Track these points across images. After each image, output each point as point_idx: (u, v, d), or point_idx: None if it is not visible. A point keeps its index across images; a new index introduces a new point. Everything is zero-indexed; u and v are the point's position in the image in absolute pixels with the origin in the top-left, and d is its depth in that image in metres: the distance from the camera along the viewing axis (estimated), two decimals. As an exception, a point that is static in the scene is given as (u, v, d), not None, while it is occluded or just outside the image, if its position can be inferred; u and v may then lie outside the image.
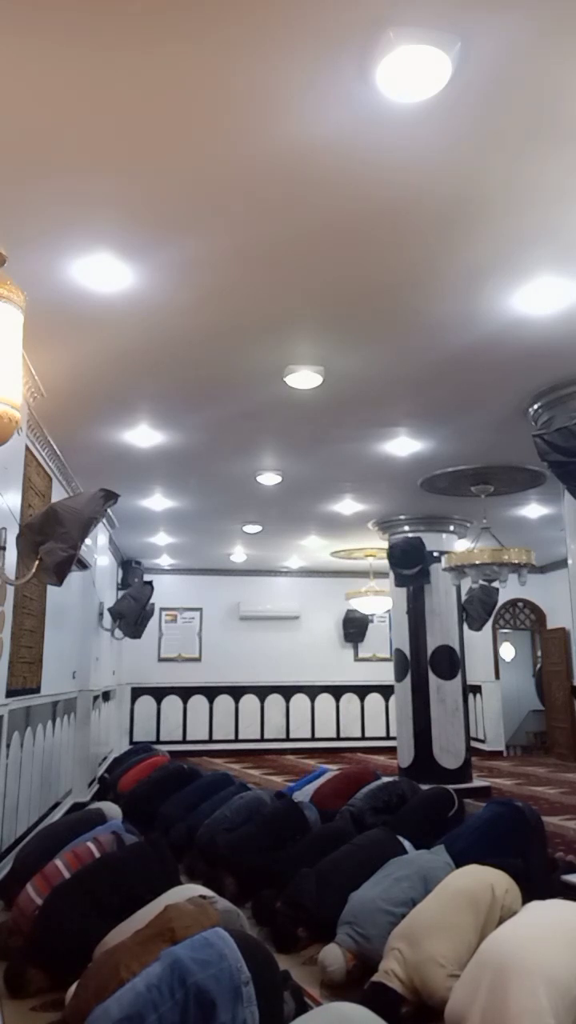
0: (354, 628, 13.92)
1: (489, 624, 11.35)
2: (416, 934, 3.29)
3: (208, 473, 7.48)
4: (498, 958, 2.55)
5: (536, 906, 3.12)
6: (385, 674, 11.66)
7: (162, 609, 13.11)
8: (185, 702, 13.42)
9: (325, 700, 13.94)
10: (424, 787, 6.53)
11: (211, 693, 13.53)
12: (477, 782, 9.04)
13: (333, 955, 3.69)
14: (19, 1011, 3.52)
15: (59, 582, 3.38)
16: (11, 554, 3.93)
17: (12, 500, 4.98)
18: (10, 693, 5.20)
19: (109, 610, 10.20)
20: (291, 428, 6.13)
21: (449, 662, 9.07)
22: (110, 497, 3.49)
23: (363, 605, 12.03)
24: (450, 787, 6.31)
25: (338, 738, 13.71)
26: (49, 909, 3.87)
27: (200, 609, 13.78)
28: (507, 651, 14.88)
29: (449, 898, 3.53)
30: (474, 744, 10.62)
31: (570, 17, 2.30)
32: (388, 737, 13.00)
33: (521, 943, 2.62)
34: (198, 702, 13.46)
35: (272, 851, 5.06)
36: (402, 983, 3.16)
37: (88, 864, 4.28)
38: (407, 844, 4.62)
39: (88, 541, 6.41)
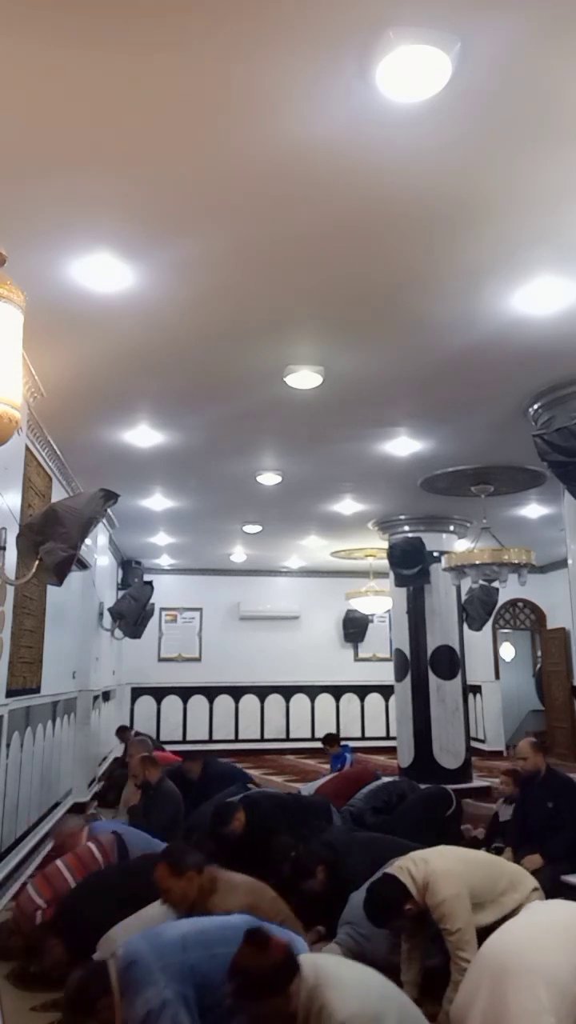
0: (354, 628, 13.93)
1: (489, 624, 11.35)
2: (425, 854, 3.43)
3: (208, 473, 7.48)
4: (498, 959, 2.56)
5: (537, 906, 3.12)
6: (385, 674, 11.67)
7: (162, 609, 13.11)
8: (185, 702, 13.43)
9: (325, 700, 13.95)
10: (423, 787, 6.53)
11: (211, 693, 13.53)
12: (477, 782, 9.04)
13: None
14: (19, 1011, 3.53)
15: (59, 582, 3.38)
16: (11, 554, 3.93)
17: (12, 500, 4.98)
18: (10, 693, 5.20)
19: (109, 610, 10.20)
20: (291, 428, 6.13)
21: (449, 662, 9.08)
22: (110, 497, 3.49)
23: (363, 605, 12.04)
24: (450, 787, 6.31)
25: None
26: (86, 887, 3.97)
27: (200, 609, 13.78)
28: (507, 651, 14.89)
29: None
30: (474, 744, 10.63)
31: (570, 17, 2.30)
32: (388, 737, 13.00)
33: (521, 943, 2.62)
34: (198, 702, 13.47)
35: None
36: (414, 882, 3.23)
37: (132, 861, 4.32)
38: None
39: (88, 541, 6.41)
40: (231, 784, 6.66)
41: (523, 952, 2.53)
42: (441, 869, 3.31)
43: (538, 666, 14.48)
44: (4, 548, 3.88)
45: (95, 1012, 2.59)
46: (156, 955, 2.64)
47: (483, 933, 2.87)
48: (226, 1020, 2.51)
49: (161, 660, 13.53)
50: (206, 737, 13.25)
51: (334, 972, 2.37)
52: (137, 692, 13.33)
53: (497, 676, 13.39)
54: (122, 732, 10.95)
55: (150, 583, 11.16)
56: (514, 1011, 2.32)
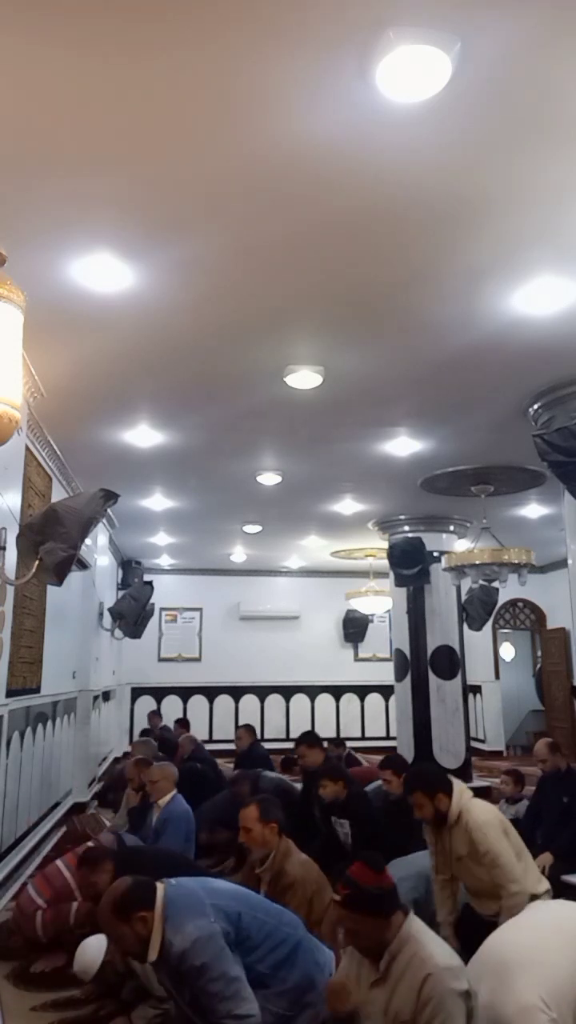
0: (354, 628, 13.92)
1: (489, 624, 11.35)
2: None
3: (208, 473, 7.48)
4: (500, 955, 2.59)
5: (538, 905, 3.14)
6: (385, 674, 11.66)
7: (162, 609, 13.11)
8: (185, 702, 13.42)
9: (325, 700, 13.94)
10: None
11: (211, 693, 13.53)
12: (477, 782, 9.04)
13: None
14: (19, 1011, 3.53)
15: (59, 582, 3.38)
16: (11, 554, 3.92)
17: (12, 500, 4.98)
18: (10, 693, 5.20)
19: (109, 610, 10.21)
20: (291, 428, 6.12)
21: (449, 662, 9.07)
22: (110, 497, 3.49)
23: (363, 605, 12.03)
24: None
25: (338, 738, 13.70)
26: (155, 850, 4.24)
27: (200, 609, 13.78)
28: (507, 651, 14.89)
29: None
30: (474, 744, 10.63)
31: (570, 17, 2.29)
32: (388, 737, 13.00)
33: (523, 941, 2.65)
34: (198, 702, 13.47)
35: None
36: (460, 797, 3.54)
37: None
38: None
39: (88, 541, 6.41)
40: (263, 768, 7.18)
41: (524, 950, 2.55)
42: (481, 803, 3.64)
43: (538, 666, 14.48)
44: (4, 548, 3.87)
45: (130, 920, 2.64)
46: (208, 893, 2.77)
47: (485, 931, 2.88)
48: (252, 984, 2.65)
49: (161, 660, 13.53)
50: (206, 737, 13.22)
51: (432, 933, 2.58)
52: (137, 692, 13.33)
53: (497, 676, 13.38)
54: (152, 718, 11.18)
55: (150, 583, 11.16)
56: (513, 1007, 2.34)
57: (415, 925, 2.50)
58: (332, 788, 4.81)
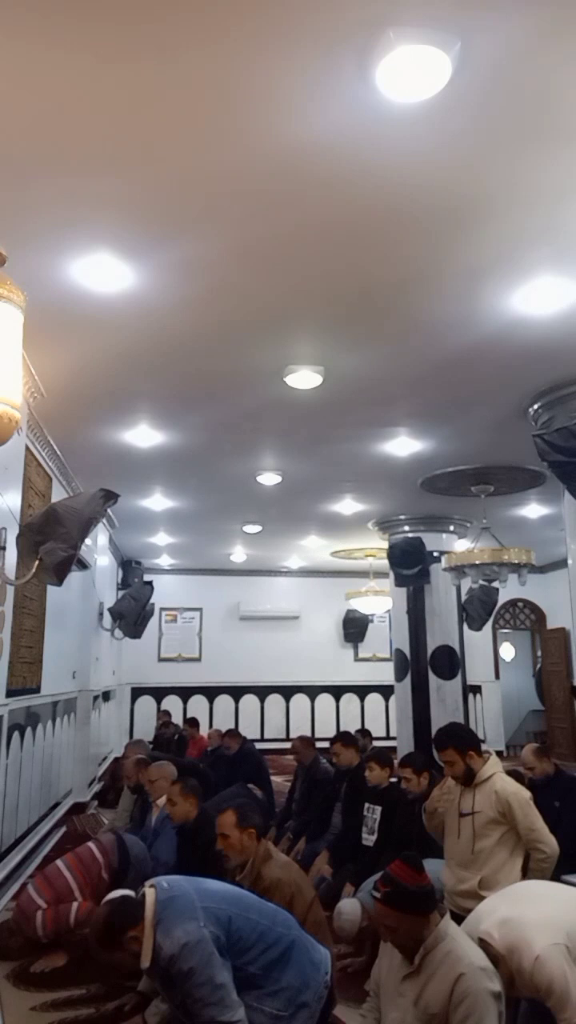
0: (354, 628, 13.92)
1: (489, 624, 11.35)
2: None
3: (208, 473, 7.48)
4: (518, 893, 2.84)
5: (544, 882, 3.30)
6: (385, 674, 11.66)
7: (162, 609, 13.11)
8: (185, 702, 13.43)
9: (325, 700, 13.94)
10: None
11: (211, 693, 13.54)
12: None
13: (350, 907, 3.75)
14: (19, 1011, 3.53)
15: (59, 582, 3.38)
16: (11, 554, 3.93)
17: (12, 500, 4.98)
18: (10, 693, 5.20)
19: (109, 610, 10.21)
20: (291, 428, 6.13)
21: (449, 662, 9.07)
22: (110, 497, 3.50)
23: (363, 605, 12.03)
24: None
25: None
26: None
27: (200, 609, 13.78)
28: (507, 651, 14.89)
29: None
30: (474, 744, 10.61)
31: (570, 18, 2.30)
32: (388, 737, 13.00)
33: (545, 887, 2.92)
34: (198, 702, 13.47)
35: None
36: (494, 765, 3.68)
37: None
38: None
39: (88, 541, 6.41)
40: (257, 764, 7.50)
41: (545, 891, 2.83)
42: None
43: (538, 666, 14.49)
44: (4, 548, 3.88)
45: (121, 944, 2.65)
46: (199, 895, 2.75)
47: None
48: (245, 985, 2.64)
49: (161, 660, 13.54)
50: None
51: (467, 936, 2.64)
52: (137, 692, 13.33)
53: (497, 676, 13.39)
54: (164, 716, 11.84)
55: (150, 583, 11.16)
56: (534, 916, 2.54)
57: (452, 926, 2.57)
58: (379, 773, 4.85)
